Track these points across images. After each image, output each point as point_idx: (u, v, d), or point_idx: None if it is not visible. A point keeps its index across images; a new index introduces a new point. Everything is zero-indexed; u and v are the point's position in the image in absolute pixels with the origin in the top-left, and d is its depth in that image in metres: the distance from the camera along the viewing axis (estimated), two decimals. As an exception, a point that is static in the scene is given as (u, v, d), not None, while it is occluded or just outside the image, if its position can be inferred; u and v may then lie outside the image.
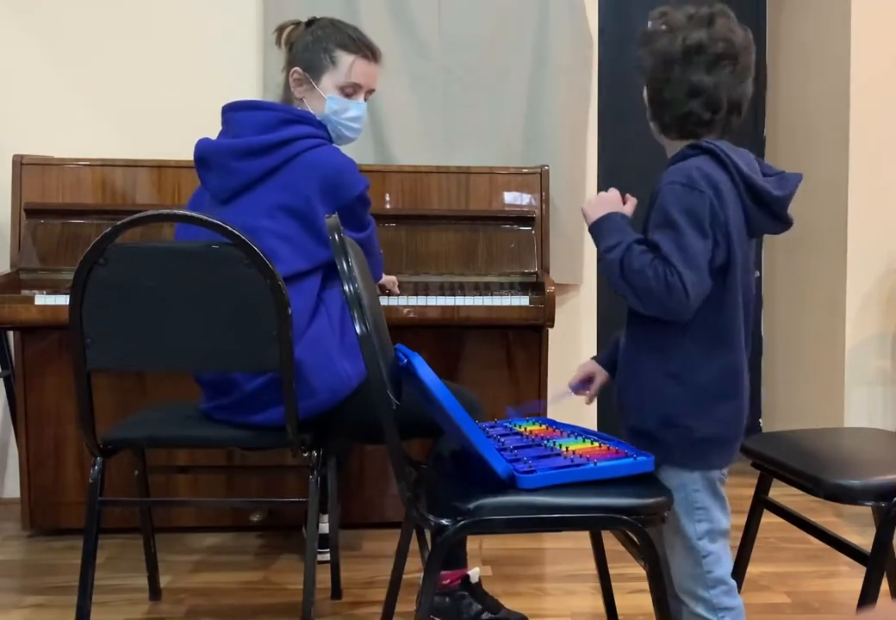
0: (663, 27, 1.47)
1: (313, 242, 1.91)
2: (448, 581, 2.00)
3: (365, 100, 2.10)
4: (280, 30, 2.13)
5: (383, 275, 2.37)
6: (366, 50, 2.07)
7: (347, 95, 2.06)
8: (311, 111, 2.05)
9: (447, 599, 2.00)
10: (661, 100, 1.48)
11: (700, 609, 1.47)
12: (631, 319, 1.52)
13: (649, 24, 1.49)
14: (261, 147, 1.94)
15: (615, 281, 1.43)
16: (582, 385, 1.71)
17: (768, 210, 1.47)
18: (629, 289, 1.42)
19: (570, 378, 1.74)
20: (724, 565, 1.47)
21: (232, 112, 2.03)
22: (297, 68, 2.06)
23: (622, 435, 1.56)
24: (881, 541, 1.56)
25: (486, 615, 2.00)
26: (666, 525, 1.49)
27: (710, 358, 1.45)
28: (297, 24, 2.11)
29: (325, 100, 2.05)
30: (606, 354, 1.70)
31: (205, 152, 2.00)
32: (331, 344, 1.92)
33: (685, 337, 1.44)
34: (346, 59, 2.04)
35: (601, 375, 1.69)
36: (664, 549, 1.53)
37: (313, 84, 2.05)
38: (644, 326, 1.47)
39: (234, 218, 1.89)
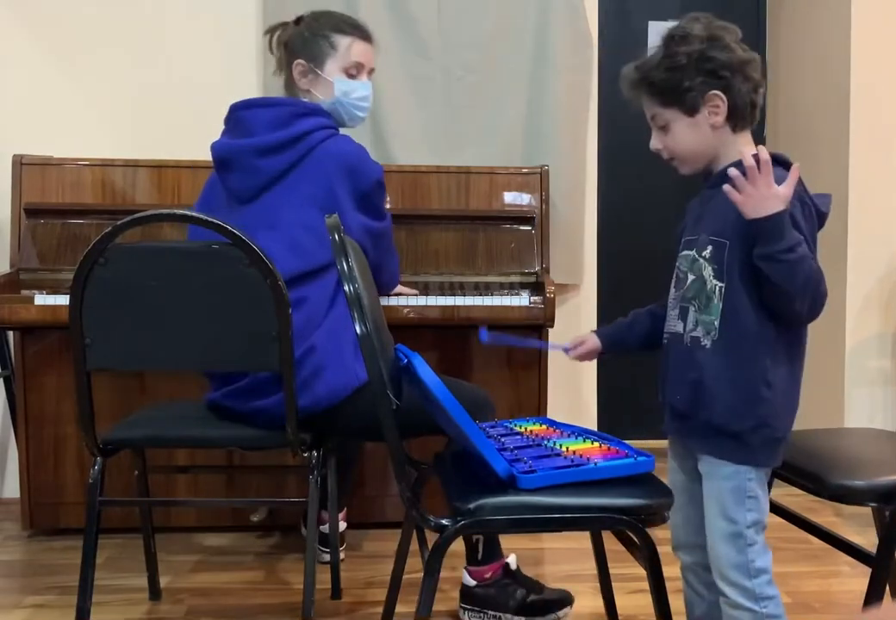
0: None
1: None
2: (490, 574, 2.06)
3: (368, 79, 2.15)
4: (270, 32, 2.17)
5: (398, 284, 2.40)
6: (360, 30, 2.14)
7: (352, 76, 2.11)
8: (321, 98, 2.09)
9: (492, 590, 2.06)
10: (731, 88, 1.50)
11: (741, 599, 1.47)
12: (728, 325, 1.47)
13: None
14: (279, 143, 1.97)
15: (801, 281, 1.38)
16: (567, 347, 1.76)
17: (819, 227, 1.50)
18: (810, 290, 1.39)
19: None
20: (766, 557, 1.49)
21: (242, 110, 2.04)
22: (299, 60, 2.10)
23: (671, 428, 1.58)
24: (886, 541, 1.56)
25: (531, 597, 2.07)
26: (710, 514, 1.51)
27: (790, 366, 1.50)
28: (286, 24, 2.16)
29: (332, 84, 2.09)
30: (607, 330, 1.75)
31: (224, 153, 2.01)
32: (348, 336, 1.93)
33: (778, 346, 1.47)
34: (344, 41, 2.10)
35: (592, 342, 1.73)
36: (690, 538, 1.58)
37: (318, 72, 2.09)
38: (741, 336, 1.46)
39: (258, 215, 1.92)
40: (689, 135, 1.54)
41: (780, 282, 1.39)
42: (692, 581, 1.65)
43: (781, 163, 1.47)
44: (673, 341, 1.57)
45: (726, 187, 1.40)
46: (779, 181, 1.38)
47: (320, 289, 1.94)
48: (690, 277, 1.54)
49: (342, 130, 2.11)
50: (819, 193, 1.50)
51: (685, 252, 1.57)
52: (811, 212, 1.45)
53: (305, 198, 1.95)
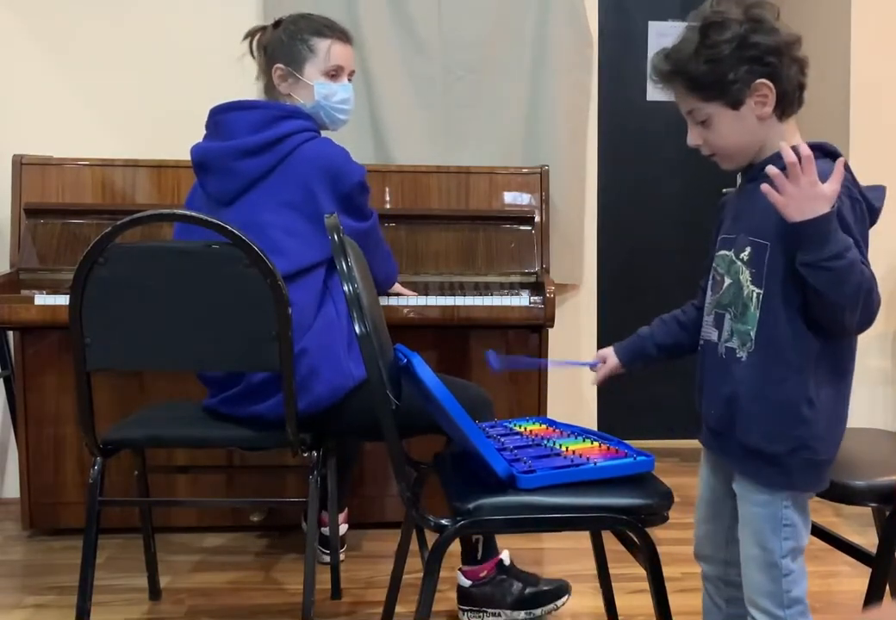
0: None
1: (320, 234, 1.93)
2: (485, 572, 2.06)
3: (349, 81, 2.14)
4: (250, 35, 2.16)
5: (397, 280, 2.39)
6: (339, 33, 2.12)
7: (332, 78, 2.10)
8: (301, 102, 2.09)
9: (488, 588, 2.06)
10: (780, 76, 1.36)
11: None
12: (765, 336, 1.34)
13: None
14: (258, 146, 1.96)
15: (851, 290, 1.25)
16: (595, 363, 1.66)
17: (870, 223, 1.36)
18: (861, 299, 1.26)
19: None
20: (802, 584, 1.40)
21: (221, 114, 2.04)
22: (278, 65, 2.09)
23: (706, 439, 1.49)
24: (886, 541, 1.56)
25: (528, 590, 2.07)
26: (744, 539, 1.42)
27: (836, 383, 1.37)
28: (264, 28, 2.15)
29: (312, 88, 2.08)
30: (628, 348, 1.63)
31: (202, 157, 2.02)
32: (338, 335, 1.94)
33: (822, 360, 1.34)
34: (322, 44, 2.09)
35: (612, 362, 1.63)
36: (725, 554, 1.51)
37: (297, 76, 2.08)
38: (779, 349, 1.33)
39: (238, 217, 1.91)
40: (733, 130, 1.38)
41: (826, 291, 1.25)
42: (712, 592, 1.58)
43: (827, 153, 1.35)
44: (708, 350, 1.45)
45: (765, 187, 1.26)
46: (823, 177, 1.24)
47: (306, 290, 1.93)
48: (727, 281, 1.41)
49: (324, 133, 2.11)
50: (871, 185, 1.36)
51: (722, 252, 1.44)
52: (862, 208, 1.32)
53: (285, 202, 1.95)
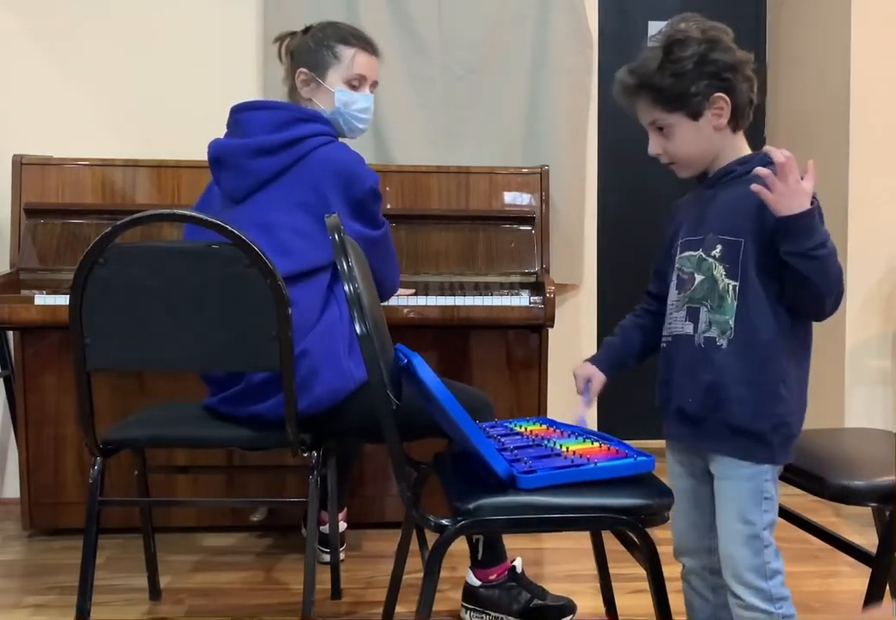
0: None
1: (328, 237, 1.93)
2: (495, 575, 2.07)
3: (371, 92, 2.15)
4: (280, 40, 2.17)
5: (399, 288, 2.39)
6: (364, 43, 2.13)
7: (353, 88, 2.11)
8: (321, 108, 2.10)
9: (497, 591, 2.06)
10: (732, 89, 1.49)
11: (756, 600, 1.47)
12: (744, 323, 1.46)
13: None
14: (273, 145, 1.96)
15: (833, 276, 1.39)
16: (586, 389, 1.70)
17: None
18: (838, 285, 1.40)
19: (570, 379, 1.73)
20: (779, 557, 1.49)
21: (242, 112, 2.05)
22: (302, 69, 2.10)
23: (678, 432, 1.56)
24: (886, 541, 1.56)
25: (535, 602, 2.07)
26: (725, 516, 1.50)
27: (801, 362, 1.51)
28: (294, 33, 2.16)
29: (333, 94, 2.09)
30: (604, 357, 1.71)
31: (219, 152, 2.02)
32: (340, 338, 1.94)
33: (793, 342, 1.48)
34: (347, 52, 2.09)
35: (598, 379, 1.69)
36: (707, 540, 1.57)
37: (320, 81, 2.09)
38: (758, 335, 1.46)
39: (249, 215, 1.92)
40: (692, 139, 1.52)
41: (813, 278, 1.38)
42: (697, 585, 1.63)
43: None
44: (680, 343, 1.54)
45: (755, 187, 1.38)
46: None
47: (311, 291, 1.93)
48: (698, 277, 1.51)
49: (341, 141, 2.11)
50: None
51: (687, 253, 1.55)
52: (819, 205, 1.44)
53: (296, 203, 1.95)
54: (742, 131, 1.55)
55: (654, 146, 1.56)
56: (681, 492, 1.58)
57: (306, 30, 2.15)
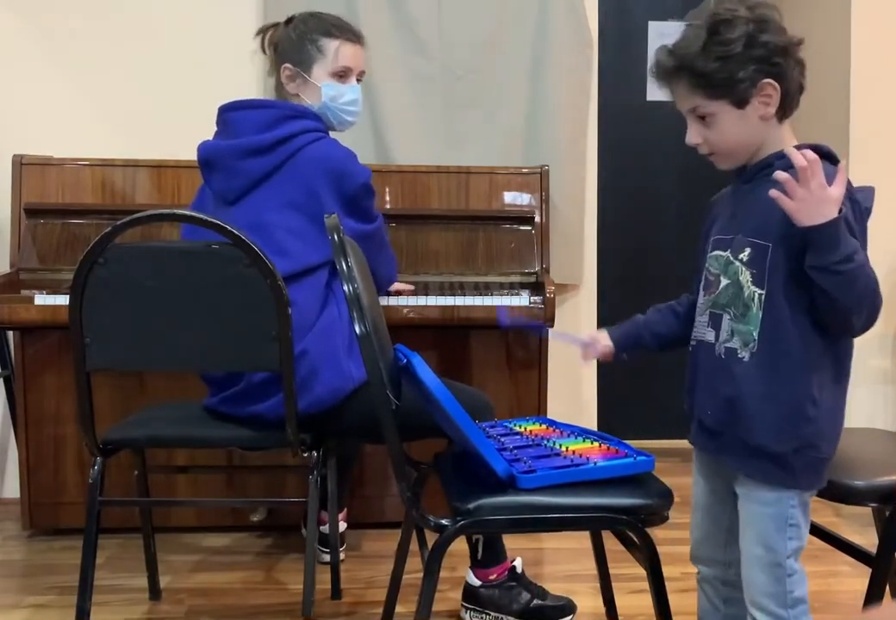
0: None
1: (323, 235, 1.92)
2: (495, 575, 2.06)
3: (358, 82, 2.13)
4: (262, 33, 2.15)
5: (397, 280, 2.39)
6: (348, 33, 2.11)
7: (340, 80, 2.09)
8: (308, 103, 2.08)
9: (497, 591, 2.06)
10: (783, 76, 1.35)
11: None
12: (770, 336, 1.34)
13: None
14: (263, 145, 1.96)
15: (859, 292, 1.26)
16: (580, 340, 1.64)
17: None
18: (868, 301, 1.27)
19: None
20: (805, 584, 1.40)
21: (229, 112, 2.04)
22: (286, 64, 2.09)
23: (699, 441, 1.47)
24: (886, 541, 1.56)
25: (535, 602, 2.07)
26: (747, 540, 1.41)
27: (837, 382, 1.38)
28: (276, 25, 2.14)
29: (319, 89, 2.07)
30: (623, 333, 1.61)
31: (208, 155, 2.01)
32: (339, 337, 1.94)
33: (825, 359, 1.35)
34: (331, 44, 2.07)
35: (605, 344, 1.60)
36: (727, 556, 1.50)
37: (305, 76, 2.08)
38: (784, 349, 1.33)
39: (242, 216, 1.91)
40: (736, 129, 1.36)
41: (836, 294, 1.25)
42: (709, 593, 1.57)
43: (823, 155, 1.30)
44: (702, 350, 1.44)
45: (774, 193, 1.25)
46: (826, 179, 1.23)
47: (309, 291, 1.93)
48: (724, 281, 1.39)
49: (332, 133, 2.11)
50: (860, 186, 1.36)
51: (716, 252, 1.42)
52: (860, 209, 1.32)
53: (289, 202, 1.95)
54: (787, 121, 1.40)
55: (693, 135, 1.40)
56: (699, 503, 1.54)
57: (288, 21, 2.12)
